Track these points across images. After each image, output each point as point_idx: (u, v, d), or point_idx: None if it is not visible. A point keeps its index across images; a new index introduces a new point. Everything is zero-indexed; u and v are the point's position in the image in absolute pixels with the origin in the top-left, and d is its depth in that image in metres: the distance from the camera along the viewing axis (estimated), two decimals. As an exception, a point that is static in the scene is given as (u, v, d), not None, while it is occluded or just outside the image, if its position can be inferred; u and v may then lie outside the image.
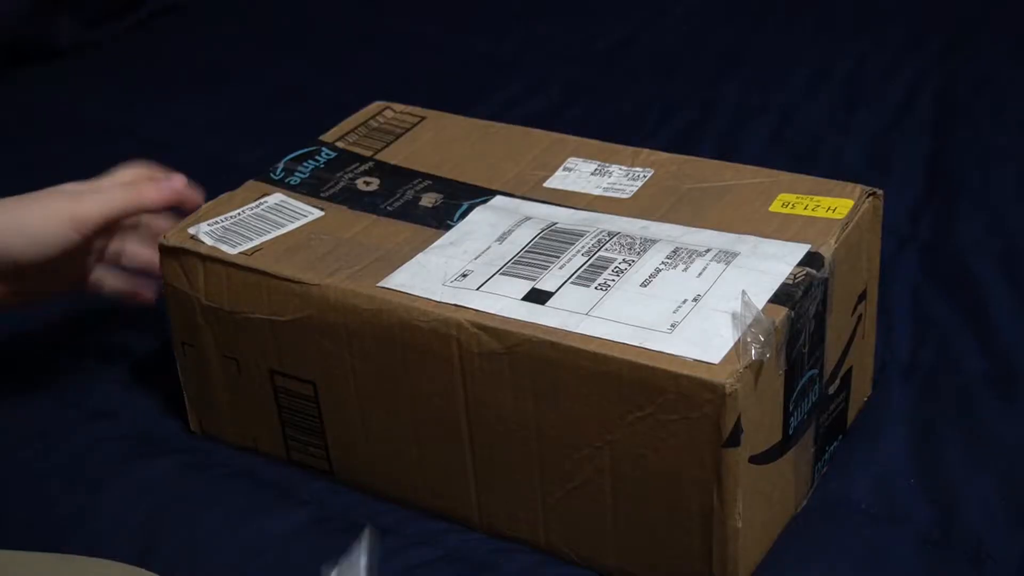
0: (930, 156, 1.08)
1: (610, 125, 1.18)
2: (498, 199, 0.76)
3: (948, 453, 0.77)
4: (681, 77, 1.25)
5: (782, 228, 0.70)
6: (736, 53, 1.29)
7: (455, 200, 0.76)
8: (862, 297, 0.74)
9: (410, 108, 0.88)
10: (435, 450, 0.71)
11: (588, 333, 0.62)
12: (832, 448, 0.75)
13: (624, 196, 0.75)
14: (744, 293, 0.62)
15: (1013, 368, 0.83)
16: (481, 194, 0.76)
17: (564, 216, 0.73)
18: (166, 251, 0.75)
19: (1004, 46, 1.26)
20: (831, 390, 0.72)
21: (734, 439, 0.59)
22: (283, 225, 0.75)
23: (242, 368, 0.75)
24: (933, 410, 0.81)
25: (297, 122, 1.20)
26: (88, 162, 1.19)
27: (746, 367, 0.59)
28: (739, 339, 0.60)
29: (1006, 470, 0.76)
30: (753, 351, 0.60)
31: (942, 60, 1.23)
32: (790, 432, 0.66)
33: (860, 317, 0.74)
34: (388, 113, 0.87)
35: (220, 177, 0.83)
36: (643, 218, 0.72)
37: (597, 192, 0.76)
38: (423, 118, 0.87)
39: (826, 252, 0.67)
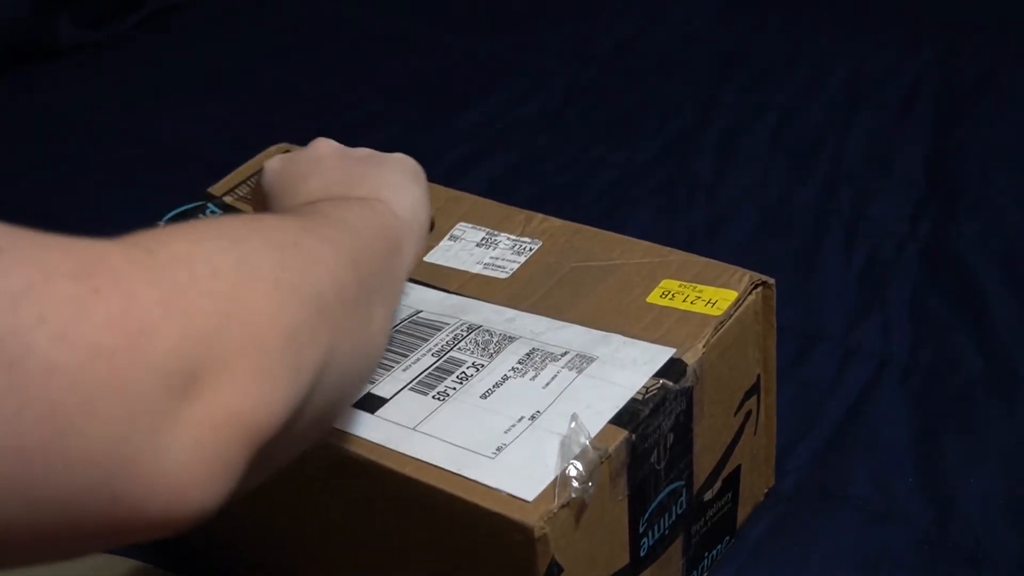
0: (930, 156, 1.08)
1: (610, 125, 1.18)
2: None
3: (947, 453, 0.77)
4: (681, 77, 1.25)
5: (654, 324, 0.65)
6: (736, 53, 1.29)
7: None
8: (751, 392, 0.69)
9: None
10: (279, 552, 0.69)
11: (408, 453, 0.59)
12: (717, 551, 0.71)
13: (502, 276, 0.71)
14: (575, 417, 0.58)
15: (1013, 368, 0.83)
16: None
17: (432, 302, 0.70)
18: None
19: (1004, 46, 1.26)
20: (708, 496, 0.67)
21: None
22: None
23: None
24: (932, 410, 0.81)
25: (297, 122, 1.20)
26: (88, 162, 1.20)
27: (563, 506, 0.55)
28: (559, 473, 0.56)
29: (1005, 470, 0.76)
30: (573, 488, 0.56)
31: (942, 60, 1.23)
32: (642, 553, 0.63)
33: (749, 413, 0.69)
34: None
35: (219, 178, 0.83)
36: (513, 305, 0.68)
37: (476, 269, 0.72)
38: None
39: (691, 358, 0.62)
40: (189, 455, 0.36)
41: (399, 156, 0.67)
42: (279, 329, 0.41)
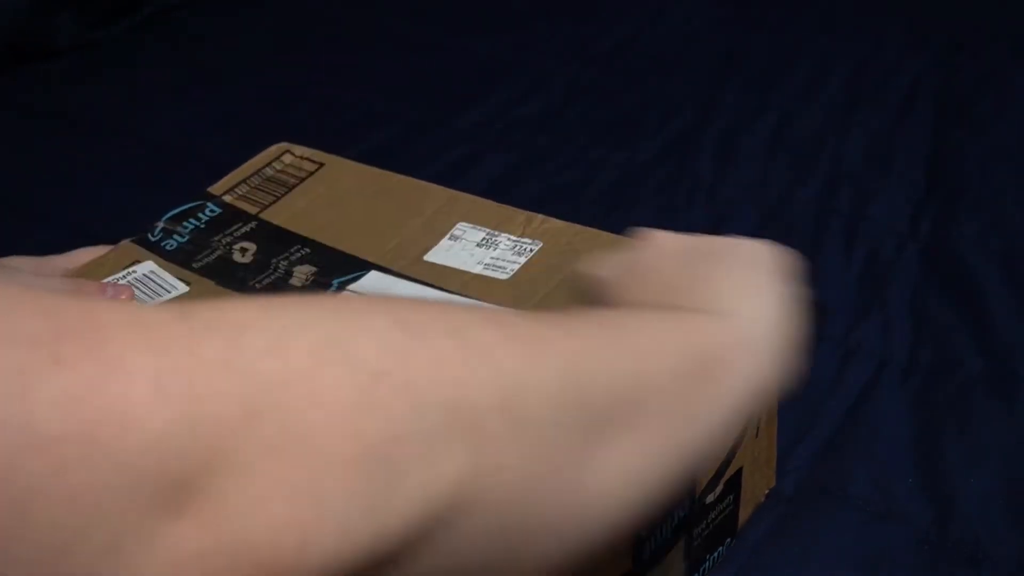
0: (930, 156, 1.08)
1: (610, 125, 1.18)
2: (370, 277, 0.72)
3: (947, 453, 0.77)
4: (681, 77, 1.25)
5: None
6: (736, 53, 1.29)
7: (326, 277, 0.73)
8: None
9: (310, 152, 0.84)
10: None
11: None
12: (719, 553, 0.71)
13: (503, 276, 0.71)
14: None
15: (1012, 368, 0.83)
16: (357, 268, 0.73)
17: (431, 299, 0.69)
18: None
19: (1004, 46, 1.26)
20: (709, 499, 0.67)
21: None
22: (143, 302, 0.71)
23: None
24: (932, 410, 0.81)
25: (297, 122, 1.20)
26: (88, 162, 1.20)
27: None
28: None
29: (1005, 470, 0.76)
30: None
31: (942, 60, 1.23)
32: (644, 557, 0.63)
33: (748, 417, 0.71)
34: (287, 158, 0.84)
35: (219, 178, 0.83)
36: (515, 307, 0.67)
37: (477, 270, 0.72)
38: (321, 165, 0.83)
39: None
40: None
41: (753, 247, 0.53)
42: (357, 430, 0.31)
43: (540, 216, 0.75)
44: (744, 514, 0.73)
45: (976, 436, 0.78)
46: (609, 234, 0.73)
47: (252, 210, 0.79)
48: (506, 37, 1.36)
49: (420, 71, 1.31)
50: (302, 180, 0.82)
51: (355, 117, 1.22)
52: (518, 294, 0.70)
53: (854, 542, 0.72)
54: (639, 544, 0.62)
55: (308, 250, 0.75)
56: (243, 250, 0.76)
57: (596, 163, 1.12)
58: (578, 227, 0.74)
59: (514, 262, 0.72)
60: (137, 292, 0.73)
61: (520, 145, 1.16)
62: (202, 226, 0.78)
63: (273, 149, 0.85)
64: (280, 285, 0.73)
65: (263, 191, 0.81)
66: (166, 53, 1.41)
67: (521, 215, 0.76)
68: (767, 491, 0.75)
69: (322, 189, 0.81)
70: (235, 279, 0.73)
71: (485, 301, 0.69)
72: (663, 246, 0.53)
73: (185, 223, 0.79)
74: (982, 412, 0.80)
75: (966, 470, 0.76)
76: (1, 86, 1.34)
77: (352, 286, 0.72)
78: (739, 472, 0.70)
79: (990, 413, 0.80)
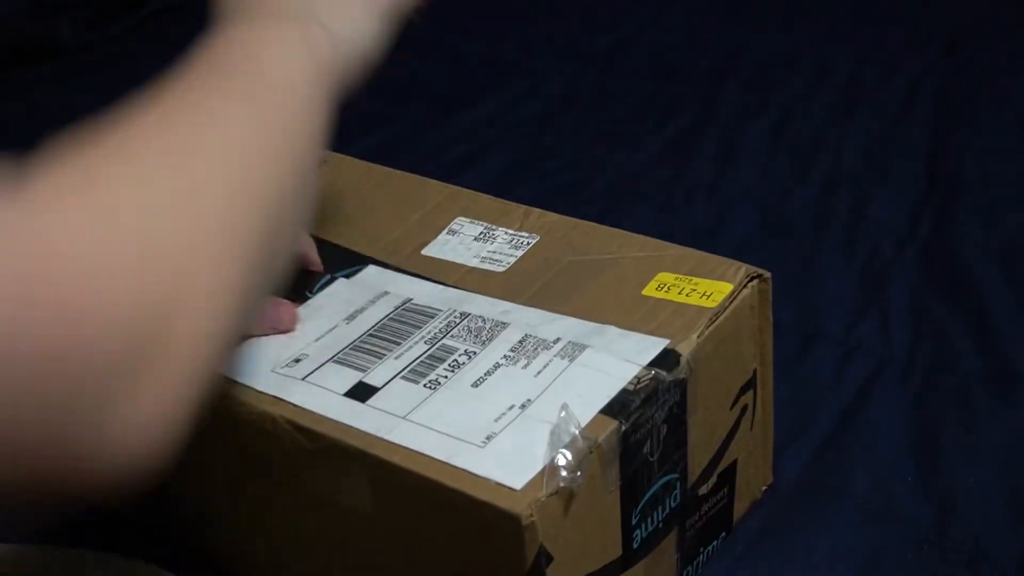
0: (930, 156, 1.08)
1: (610, 125, 1.18)
2: (368, 271, 0.72)
3: (946, 452, 0.77)
4: (681, 77, 1.25)
5: (649, 316, 0.65)
6: (736, 53, 1.29)
7: (325, 272, 0.73)
8: (747, 387, 0.69)
9: None
10: (275, 540, 0.69)
11: (398, 442, 0.59)
12: (713, 547, 0.71)
13: (499, 269, 0.71)
14: (565, 407, 0.58)
15: (1012, 368, 0.83)
16: (355, 262, 0.73)
17: (427, 293, 0.70)
18: None
19: (1004, 46, 1.26)
20: (703, 491, 0.67)
21: (537, 570, 0.56)
22: None
23: None
24: (932, 409, 0.81)
25: (297, 122, 1.20)
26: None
27: (552, 494, 0.56)
28: (548, 462, 0.56)
29: (1004, 470, 0.76)
30: (561, 476, 0.56)
31: (942, 60, 1.23)
32: (635, 546, 0.63)
33: (745, 408, 0.69)
34: None
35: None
36: (510, 299, 0.68)
37: (473, 263, 0.72)
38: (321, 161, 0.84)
39: (685, 349, 0.62)
40: None
41: None
42: None
43: (538, 210, 0.76)
44: (740, 508, 0.73)
45: (976, 436, 0.78)
46: (607, 227, 0.74)
47: None
48: (506, 37, 1.36)
49: (420, 71, 1.31)
50: None
51: (355, 117, 1.21)
52: (512, 286, 0.70)
53: (852, 541, 0.72)
54: (629, 531, 0.62)
55: None
56: None
57: (596, 163, 1.12)
58: (575, 220, 0.74)
59: (511, 255, 0.72)
60: None
61: (520, 145, 1.16)
62: None
63: None
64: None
65: None
66: (166, 53, 1.41)
67: (519, 209, 0.76)
68: (764, 488, 0.75)
69: (321, 184, 0.81)
70: None
71: (481, 293, 0.69)
72: None
73: None
74: (982, 412, 0.80)
75: (966, 470, 0.76)
76: (2, 86, 1.34)
77: (344, 279, 0.72)
78: (734, 464, 0.70)
79: (990, 413, 0.80)
